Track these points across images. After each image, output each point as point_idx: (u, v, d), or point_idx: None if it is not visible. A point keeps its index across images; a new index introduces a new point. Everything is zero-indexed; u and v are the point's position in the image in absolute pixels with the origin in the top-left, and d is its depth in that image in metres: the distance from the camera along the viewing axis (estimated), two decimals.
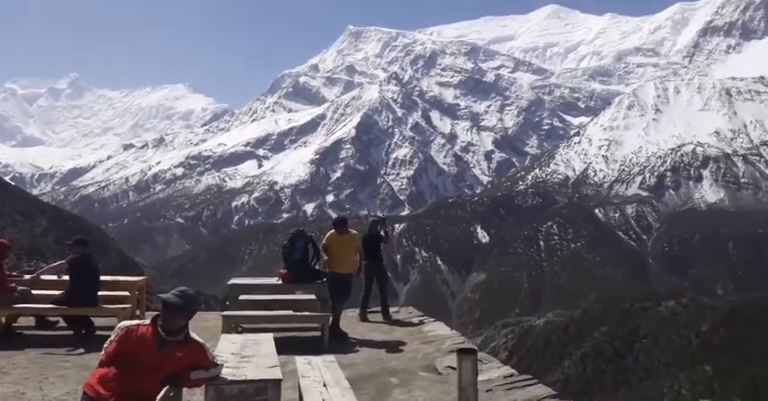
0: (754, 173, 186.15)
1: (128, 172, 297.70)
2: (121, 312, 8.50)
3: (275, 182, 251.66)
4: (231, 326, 8.32)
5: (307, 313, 8.71)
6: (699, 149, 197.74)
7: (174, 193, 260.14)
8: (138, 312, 9.43)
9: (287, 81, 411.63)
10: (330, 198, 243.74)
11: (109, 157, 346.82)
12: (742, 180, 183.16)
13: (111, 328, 4.35)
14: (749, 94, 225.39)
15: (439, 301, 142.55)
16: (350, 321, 10.04)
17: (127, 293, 9.34)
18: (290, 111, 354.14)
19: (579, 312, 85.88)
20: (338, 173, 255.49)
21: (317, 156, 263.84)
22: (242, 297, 9.16)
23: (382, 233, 10.74)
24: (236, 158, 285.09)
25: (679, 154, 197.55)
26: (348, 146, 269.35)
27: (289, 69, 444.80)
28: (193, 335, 4.21)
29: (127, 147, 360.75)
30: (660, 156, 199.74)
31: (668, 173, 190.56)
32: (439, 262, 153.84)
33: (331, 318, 8.85)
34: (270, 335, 5.81)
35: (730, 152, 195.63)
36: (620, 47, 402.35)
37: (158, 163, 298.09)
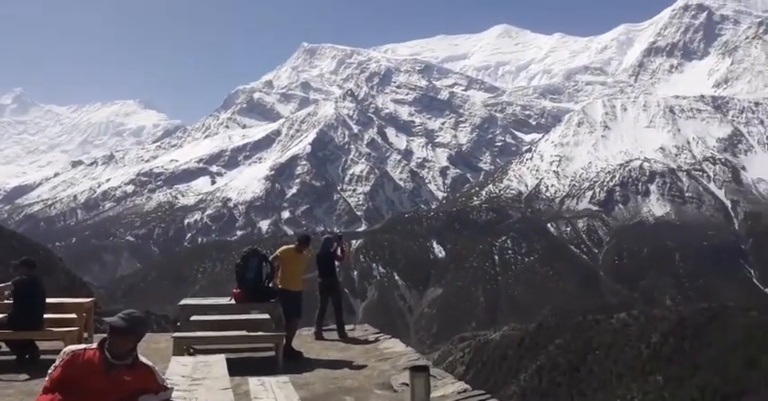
0: (697, 187, 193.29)
1: (76, 189, 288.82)
2: (68, 335, 8.23)
3: (229, 199, 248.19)
4: (182, 348, 8.13)
5: (260, 333, 8.60)
6: (646, 165, 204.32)
7: (125, 211, 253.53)
8: (85, 335, 9.14)
9: (241, 97, 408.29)
10: (286, 214, 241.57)
11: (56, 175, 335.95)
12: (687, 194, 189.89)
13: (58, 352, 4.21)
14: (691, 112, 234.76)
15: (397, 317, 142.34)
16: (305, 340, 9.96)
17: (74, 315, 9.04)
18: (244, 126, 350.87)
19: (534, 325, 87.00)
20: (294, 190, 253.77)
21: (273, 173, 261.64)
22: (194, 317, 8.98)
23: (339, 250, 10.70)
24: (188, 175, 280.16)
25: (627, 169, 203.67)
26: (304, 162, 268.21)
27: (243, 85, 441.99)
28: (142, 358, 4.12)
29: (75, 163, 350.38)
30: (609, 172, 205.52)
31: (617, 188, 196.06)
32: (396, 277, 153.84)
33: (285, 338, 8.75)
34: (222, 357, 5.73)
35: (675, 167, 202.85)
36: (569, 65, 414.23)
37: (108, 180, 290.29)
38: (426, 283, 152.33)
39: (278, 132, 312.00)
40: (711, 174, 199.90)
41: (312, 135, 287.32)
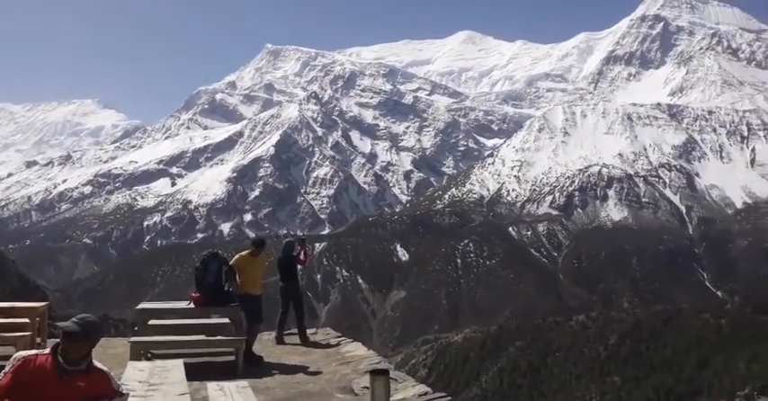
0: (653, 193, 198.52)
1: (30, 190, 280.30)
2: (20, 341, 8.00)
3: (189, 201, 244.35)
4: (140, 353, 7.99)
5: (219, 337, 8.51)
6: (604, 170, 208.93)
7: (82, 213, 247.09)
8: (38, 340, 8.89)
9: (203, 98, 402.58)
10: (248, 217, 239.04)
11: (9, 175, 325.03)
12: (643, 199, 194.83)
13: (9, 358, 4.09)
14: (648, 120, 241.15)
15: (360, 320, 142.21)
16: (266, 344, 9.90)
17: (26, 320, 8.79)
18: (205, 128, 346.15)
19: (495, 328, 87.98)
20: (256, 192, 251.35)
21: (235, 175, 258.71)
22: (152, 321, 8.83)
23: (302, 253, 10.65)
24: (148, 176, 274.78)
25: (586, 174, 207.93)
26: (267, 164, 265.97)
27: (205, 86, 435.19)
28: (97, 363, 4.01)
29: (30, 164, 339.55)
30: (569, 177, 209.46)
31: (576, 193, 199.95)
32: (360, 280, 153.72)
33: (245, 342, 8.67)
34: (180, 361, 5.66)
35: (632, 173, 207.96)
36: (530, 72, 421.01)
37: (65, 181, 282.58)
38: (390, 286, 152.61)
39: (240, 134, 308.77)
40: (667, 180, 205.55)
41: (275, 137, 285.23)
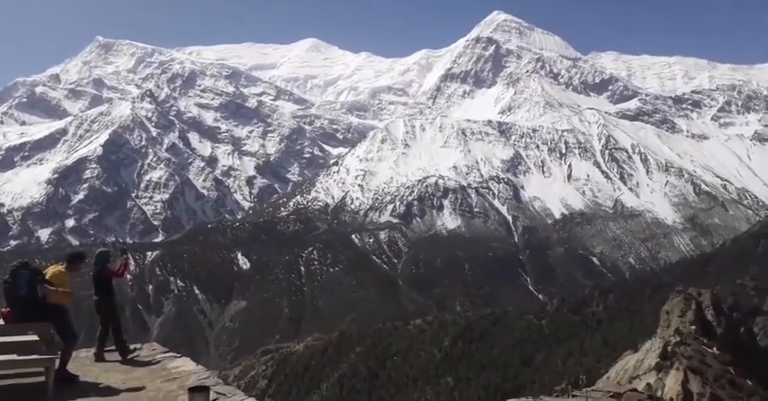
0: (484, 203, 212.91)
1: None
2: None
3: (2, 204, 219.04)
4: None
5: (27, 357, 7.71)
6: (440, 181, 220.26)
7: None
8: None
9: (21, 90, 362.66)
10: (71, 222, 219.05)
11: None
12: (475, 209, 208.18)
13: None
14: (480, 135, 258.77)
15: (196, 332, 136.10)
16: (83, 362, 9.09)
17: None
18: (23, 123, 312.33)
19: (337, 334, 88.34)
20: (81, 195, 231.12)
21: (56, 176, 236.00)
22: None
23: (122, 265, 9.97)
24: None
25: (424, 185, 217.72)
26: (94, 165, 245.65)
27: (23, 77, 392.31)
28: None
29: None
30: (408, 187, 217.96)
31: (415, 202, 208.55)
32: (196, 291, 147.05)
33: (58, 361, 7.88)
34: None
35: (465, 185, 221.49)
36: (374, 84, 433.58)
37: None
38: (229, 296, 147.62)
39: (64, 131, 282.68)
40: (496, 192, 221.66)
41: (104, 136, 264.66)
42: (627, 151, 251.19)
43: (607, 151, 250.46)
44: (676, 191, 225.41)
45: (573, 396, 20.09)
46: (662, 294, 59.70)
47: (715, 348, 28.94)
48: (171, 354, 9.70)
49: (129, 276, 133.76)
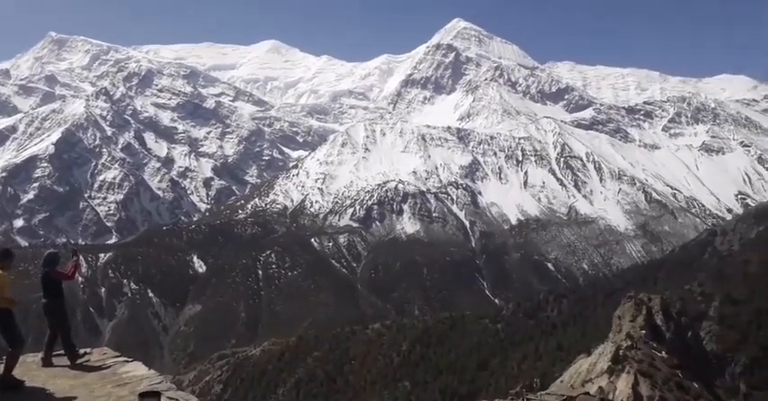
0: (443, 208, 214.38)
1: None
2: None
3: None
4: None
5: None
6: (400, 186, 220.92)
7: None
8: None
9: None
10: (19, 223, 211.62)
11: None
12: (434, 214, 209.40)
13: None
14: (439, 141, 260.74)
15: (150, 337, 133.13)
16: (29, 367, 8.76)
17: None
18: None
19: (294, 339, 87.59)
20: (30, 195, 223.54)
21: (4, 174, 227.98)
22: None
23: (72, 266, 9.70)
24: None
25: (384, 189, 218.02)
26: (45, 164, 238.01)
27: None
28: None
29: None
30: (368, 191, 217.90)
31: (375, 207, 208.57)
32: (150, 294, 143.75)
33: (2, 367, 7.69)
34: None
35: (425, 190, 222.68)
36: (335, 88, 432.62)
37: None
38: (184, 300, 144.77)
39: (13, 128, 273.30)
40: (454, 197, 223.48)
41: (56, 134, 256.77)
42: (581, 159, 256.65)
43: (562, 159, 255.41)
44: (628, 198, 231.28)
45: (528, 399, 20.38)
46: (614, 299, 61.09)
47: (664, 352, 29.80)
48: (122, 359, 9.45)
49: (80, 278, 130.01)
